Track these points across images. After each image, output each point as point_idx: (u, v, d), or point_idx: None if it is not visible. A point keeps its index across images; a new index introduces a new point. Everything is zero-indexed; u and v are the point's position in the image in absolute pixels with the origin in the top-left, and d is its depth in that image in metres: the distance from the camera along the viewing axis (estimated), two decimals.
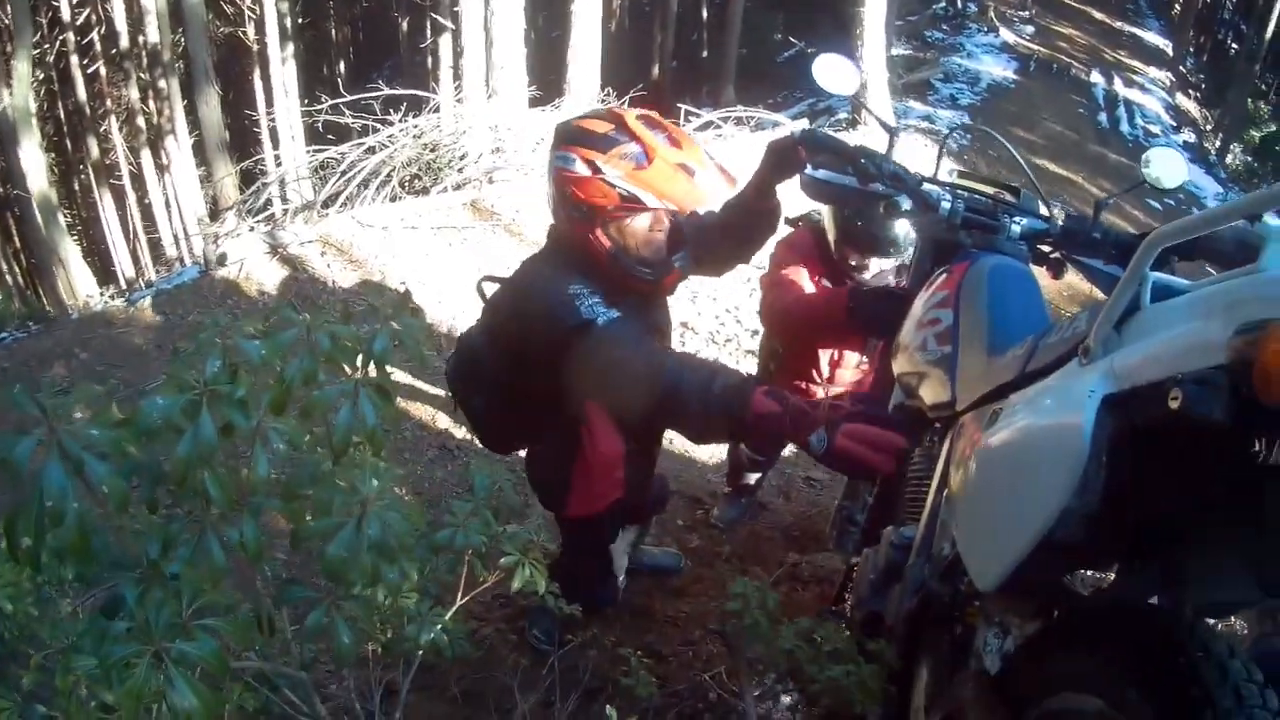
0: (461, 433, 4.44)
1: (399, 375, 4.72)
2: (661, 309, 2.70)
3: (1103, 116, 14.59)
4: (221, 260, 5.52)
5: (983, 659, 1.77)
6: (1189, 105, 17.47)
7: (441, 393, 4.71)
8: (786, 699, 2.41)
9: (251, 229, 6.84)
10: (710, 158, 2.36)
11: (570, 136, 2.34)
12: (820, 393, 3.33)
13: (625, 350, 2.17)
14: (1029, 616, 1.67)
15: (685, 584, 3.37)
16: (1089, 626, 1.42)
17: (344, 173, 7.22)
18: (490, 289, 2.70)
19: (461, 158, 7.38)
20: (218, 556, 1.24)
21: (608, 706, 1.95)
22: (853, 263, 3.13)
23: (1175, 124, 15.55)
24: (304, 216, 7.12)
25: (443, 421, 4.54)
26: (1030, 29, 17.80)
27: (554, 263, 2.45)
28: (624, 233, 2.36)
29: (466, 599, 1.98)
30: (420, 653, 1.87)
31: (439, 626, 1.82)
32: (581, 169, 2.29)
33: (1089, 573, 2.11)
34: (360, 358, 1.32)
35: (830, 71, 2.51)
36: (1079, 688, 1.34)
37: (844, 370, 3.31)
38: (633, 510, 2.86)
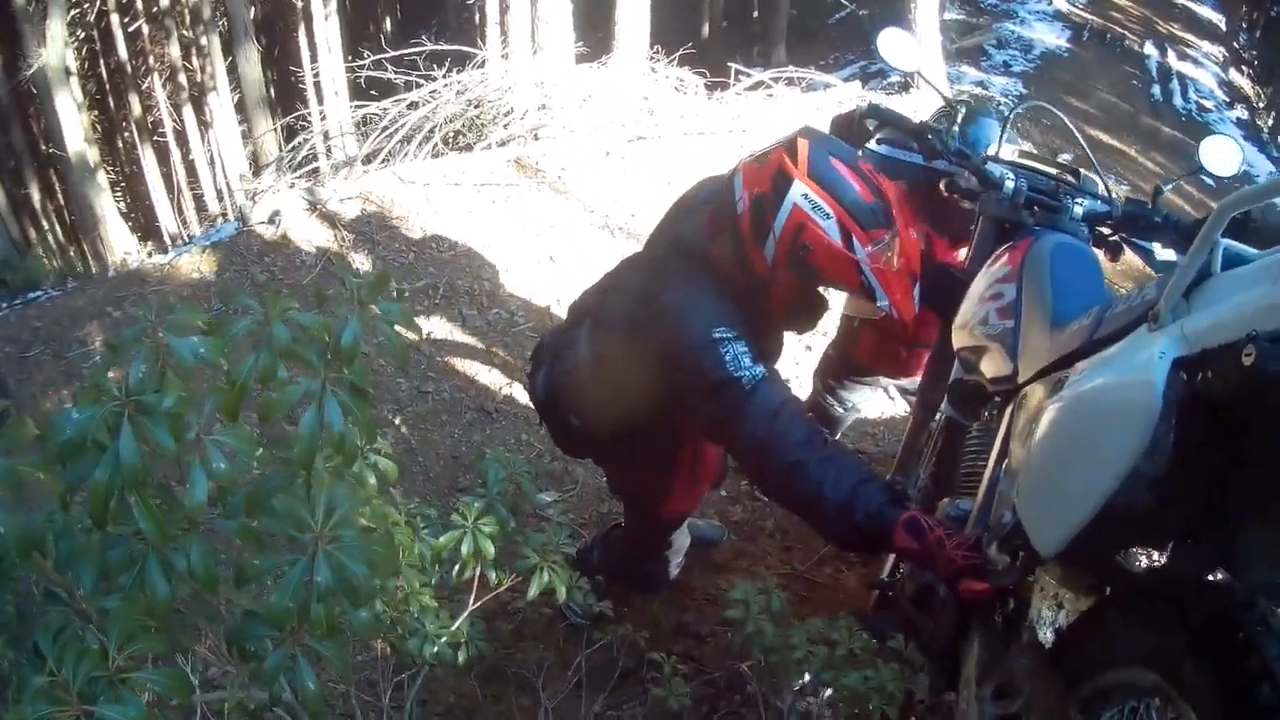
0: (502, 393, 4.39)
1: (441, 332, 4.71)
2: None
3: (1156, 89, 14.24)
4: (274, 218, 5.50)
5: (1036, 632, 1.76)
6: (1242, 82, 17.03)
7: (481, 346, 4.66)
8: (829, 692, 2.37)
9: (291, 185, 6.83)
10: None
11: (832, 186, 2.05)
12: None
13: (764, 428, 2.03)
14: (1083, 591, 1.67)
15: (726, 559, 3.31)
16: (1146, 602, 1.41)
17: (385, 129, 7.13)
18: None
19: (506, 114, 7.25)
20: (161, 588, 1.09)
21: None
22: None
23: (1228, 100, 15.17)
24: (344, 173, 7.09)
25: (482, 380, 4.47)
26: None
27: (701, 282, 2.19)
28: (807, 293, 2.21)
29: (478, 604, 1.88)
30: (426, 667, 1.78)
31: (443, 639, 1.70)
32: (835, 234, 2.03)
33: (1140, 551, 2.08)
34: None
35: (894, 46, 2.53)
36: (1135, 662, 1.34)
37: (927, 328, 3.25)
38: None
